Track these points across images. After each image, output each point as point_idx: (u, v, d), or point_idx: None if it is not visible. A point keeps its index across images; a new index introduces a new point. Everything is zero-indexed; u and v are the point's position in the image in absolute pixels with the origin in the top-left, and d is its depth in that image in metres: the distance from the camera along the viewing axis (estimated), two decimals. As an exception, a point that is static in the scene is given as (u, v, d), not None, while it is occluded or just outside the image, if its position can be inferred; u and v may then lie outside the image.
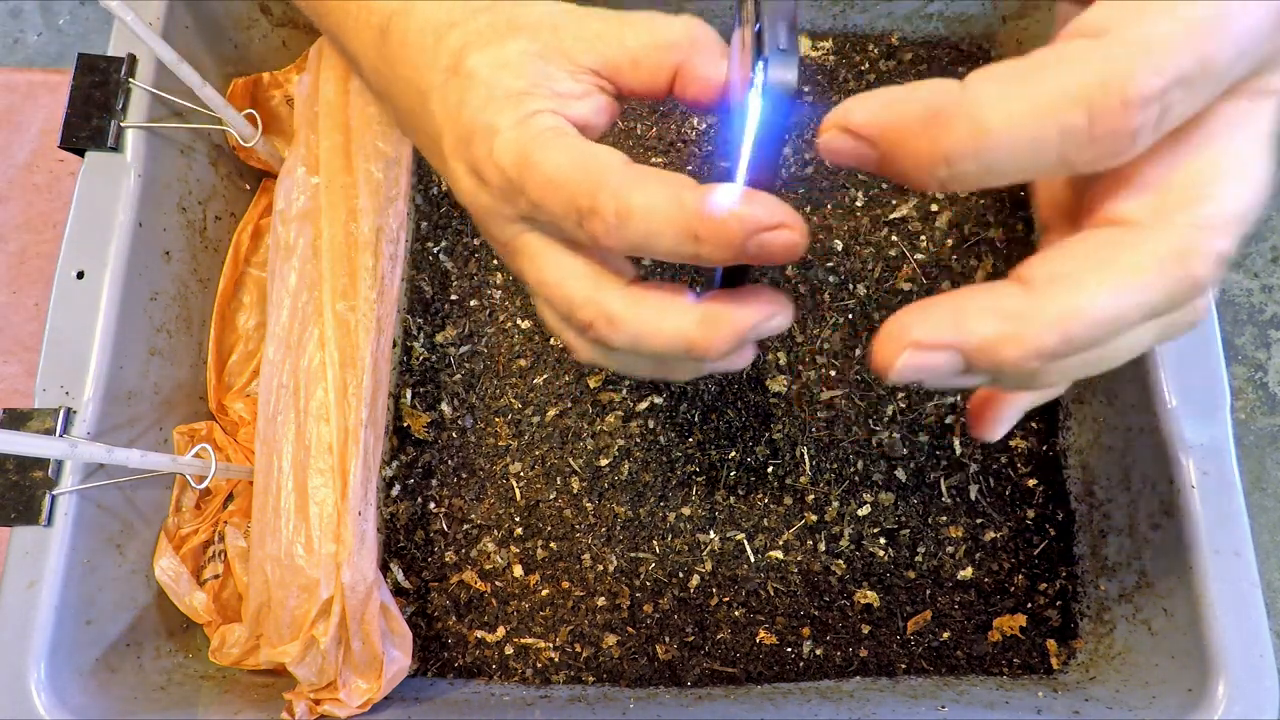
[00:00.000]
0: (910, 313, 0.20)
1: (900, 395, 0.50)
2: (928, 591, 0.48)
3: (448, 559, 0.50)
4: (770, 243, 0.22)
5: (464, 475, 0.51)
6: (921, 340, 0.19)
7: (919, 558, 0.48)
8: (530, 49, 0.25)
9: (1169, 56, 0.15)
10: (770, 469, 0.49)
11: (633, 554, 0.49)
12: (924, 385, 0.21)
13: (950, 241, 0.53)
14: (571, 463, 0.50)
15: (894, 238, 0.53)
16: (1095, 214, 0.19)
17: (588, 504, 0.49)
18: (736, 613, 0.48)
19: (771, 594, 0.48)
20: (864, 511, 0.49)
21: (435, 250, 0.54)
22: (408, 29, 0.27)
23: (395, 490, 0.50)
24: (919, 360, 0.19)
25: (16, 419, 0.41)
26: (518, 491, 0.50)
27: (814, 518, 0.49)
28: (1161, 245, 0.18)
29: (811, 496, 0.49)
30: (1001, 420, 0.26)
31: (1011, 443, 0.50)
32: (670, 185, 0.22)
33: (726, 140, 0.25)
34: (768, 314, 0.24)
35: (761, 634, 0.48)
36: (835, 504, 0.49)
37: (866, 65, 0.56)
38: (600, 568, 0.49)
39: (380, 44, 0.28)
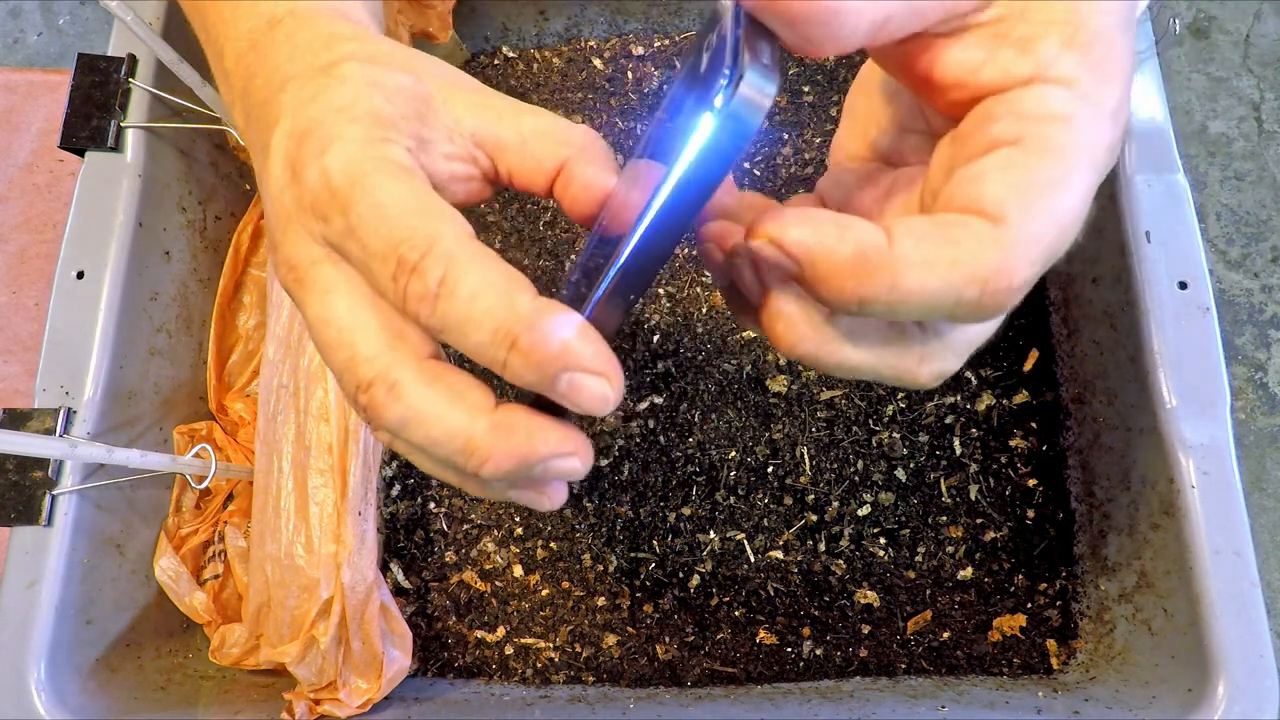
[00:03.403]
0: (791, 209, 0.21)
1: (900, 395, 0.50)
2: (928, 591, 0.48)
3: (448, 559, 0.50)
4: (582, 387, 0.20)
5: (464, 475, 0.51)
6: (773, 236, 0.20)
7: (919, 558, 0.48)
8: (415, 88, 0.24)
9: (1043, 251, 0.19)
10: (770, 469, 0.49)
11: (633, 554, 0.49)
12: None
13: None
14: (571, 463, 0.50)
15: (894, 238, 0.53)
16: None
17: (588, 504, 0.49)
18: (736, 613, 0.48)
19: (771, 594, 0.48)
20: (864, 511, 0.49)
21: (435, 250, 0.54)
22: (299, 28, 0.26)
23: (395, 490, 0.50)
24: (768, 251, 0.21)
25: (16, 419, 0.41)
26: (518, 491, 0.50)
27: (814, 518, 0.49)
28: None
29: (811, 496, 0.49)
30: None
31: (1011, 443, 0.50)
32: (509, 279, 0.20)
33: (590, 255, 0.23)
34: (567, 449, 0.21)
35: (761, 634, 0.48)
36: (835, 504, 0.49)
37: (866, 65, 0.56)
38: (600, 568, 0.49)
39: (263, 32, 0.26)
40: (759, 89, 0.18)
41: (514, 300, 0.20)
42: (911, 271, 0.19)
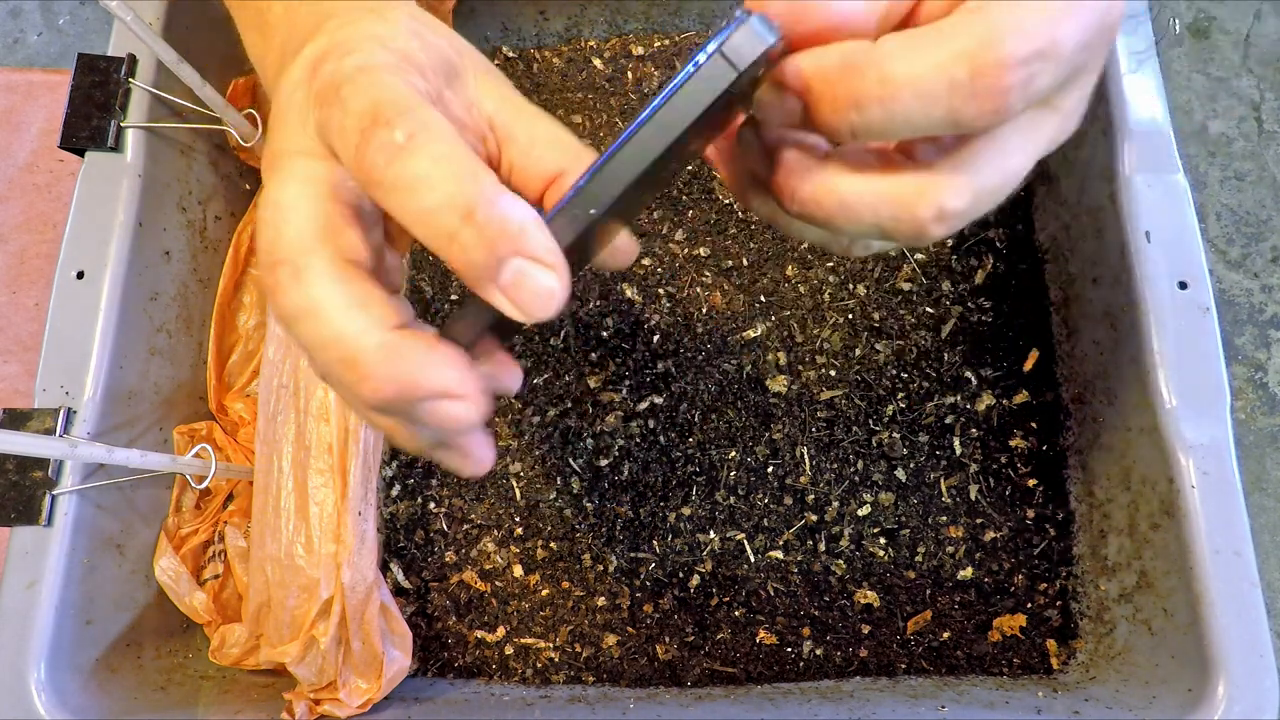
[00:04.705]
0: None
1: (900, 395, 0.50)
2: (928, 591, 0.48)
3: (448, 559, 0.50)
4: (528, 276, 0.20)
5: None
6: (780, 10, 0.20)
7: (919, 558, 0.48)
8: (451, 54, 0.24)
9: (1033, 30, 0.18)
10: (770, 469, 0.49)
11: (633, 554, 0.49)
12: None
13: (950, 241, 0.53)
14: (571, 463, 0.50)
15: (894, 238, 0.53)
16: None
17: (588, 504, 0.49)
18: (736, 613, 0.48)
19: (771, 594, 0.48)
20: (864, 511, 0.49)
21: (435, 250, 0.54)
22: None
23: (395, 490, 0.50)
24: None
25: (16, 419, 0.41)
26: (518, 491, 0.50)
27: (814, 518, 0.49)
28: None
29: (811, 496, 0.49)
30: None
31: (1011, 443, 0.50)
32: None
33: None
34: (455, 391, 0.20)
35: (761, 634, 0.48)
36: (835, 504, 0.49)
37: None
38: (600, 568, 0.49)
39: None
40: (758, 32, 0.19)
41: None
42: (896, 60, 0.19)
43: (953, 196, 0.20)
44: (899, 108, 0.19)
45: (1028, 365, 0.51)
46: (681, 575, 0.48)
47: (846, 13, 0.20)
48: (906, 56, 0.19)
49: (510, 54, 0.59)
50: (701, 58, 0.20)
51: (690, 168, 0.55)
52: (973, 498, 0.49)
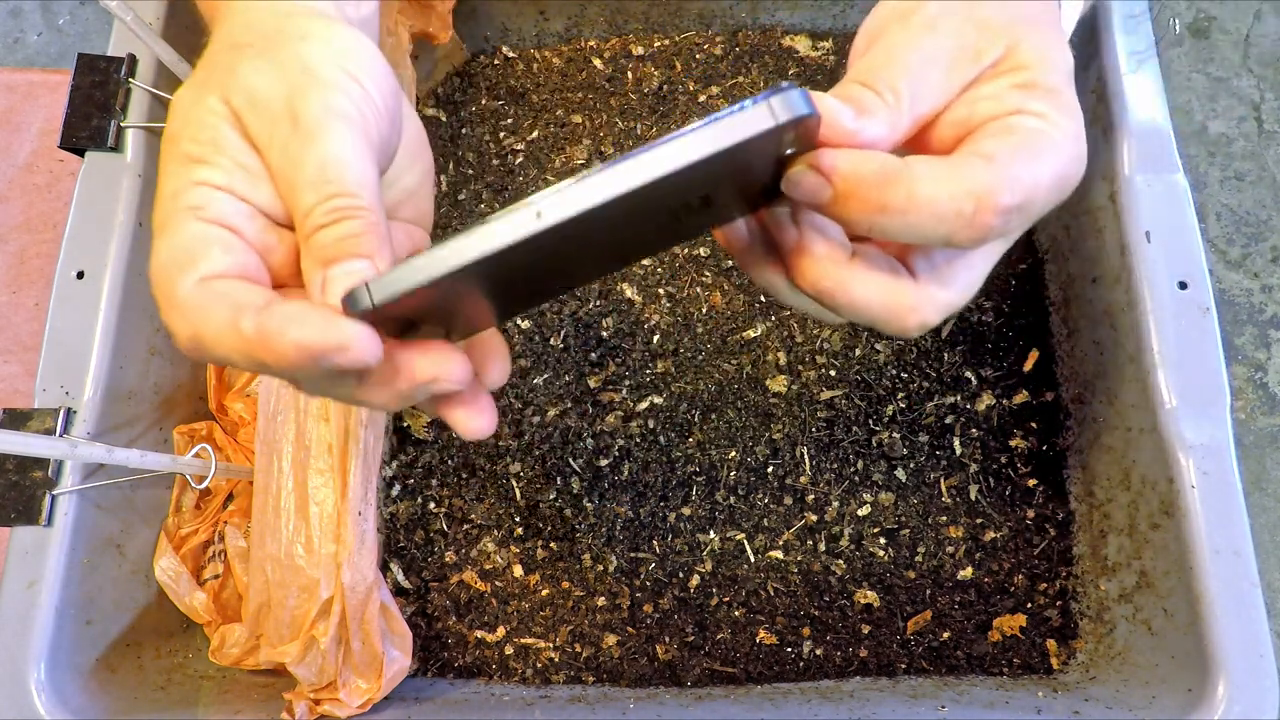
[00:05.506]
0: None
1: (900, 395, 0.50)
2: (928, 591, 0.48)
3: (448, 559, 0.50)
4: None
5: (464, 475, 0.51)
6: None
7: (919, 558, 0.48)
8: (305, 72, 0.24)
9: (1020, 187, 0.24)
10: (770, 469, 0.49)
11: (633, 554, 0.49)
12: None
13: (950, 241, 0.53)
14: (571, 463, 0.50)
15: (894, 238, 0.53)
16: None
17: (588, 504, 0.49)
18: (736, 613, 0.48)
19: (771, 594, 0.48)
20: (864, 511, 0.49)
21: (435, 250, 0.54)
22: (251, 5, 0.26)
23: (395, 490, 0.50)
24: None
25: (16, 419, 0.41)
26: (518, 491, 0.50)
27: (814, 518, 0.49)
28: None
29: (811, 496, 0.49)
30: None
31: (1011, 443, 0.50)
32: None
33: None
34: (344, 346, 0.21)
35: (761, 634, 0.48)
36: (835, 504, 0.49)
37: (866, 65, 0.56)
38: (600, 568, 0.49)
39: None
40: (801, 100, 0.21)
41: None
42: (923, 183, 0.23)
43: (932, 313, 0.27)
44: (914, 221, 0.23)
45: (1028, 365, 0.51)
46: (681, 575, 0.48)
47: (873, 138, 0.24)
48: (932, 184, 0.23)
49: (510, 54, 0.59)
50: (748, 102, 0.21)
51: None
52: (973, 498, 0.49)
